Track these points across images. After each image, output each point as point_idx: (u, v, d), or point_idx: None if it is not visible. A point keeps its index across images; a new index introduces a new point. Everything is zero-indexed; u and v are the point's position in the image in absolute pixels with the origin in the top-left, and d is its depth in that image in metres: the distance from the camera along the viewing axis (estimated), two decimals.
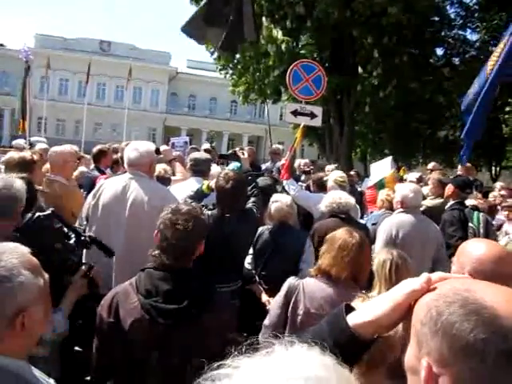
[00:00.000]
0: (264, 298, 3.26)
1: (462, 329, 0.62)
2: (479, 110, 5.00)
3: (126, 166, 3.09)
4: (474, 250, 1.73)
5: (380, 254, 2.45)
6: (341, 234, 2.30)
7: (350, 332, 0.80)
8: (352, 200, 3.91)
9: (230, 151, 4.63)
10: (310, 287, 2.29)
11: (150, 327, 1.75)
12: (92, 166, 5.60)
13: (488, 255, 1.67)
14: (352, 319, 0.81)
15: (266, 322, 2.46)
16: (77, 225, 3.07)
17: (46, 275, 1.23)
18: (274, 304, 2.48)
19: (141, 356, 1.78)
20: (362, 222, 4.85)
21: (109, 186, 2.95)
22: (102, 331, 1.85)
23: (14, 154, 3.15)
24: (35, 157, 3.09)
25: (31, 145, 7.49)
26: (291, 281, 2.40)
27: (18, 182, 1.92)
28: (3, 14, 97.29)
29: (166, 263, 1.82)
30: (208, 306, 1.82)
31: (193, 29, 5.48)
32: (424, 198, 5.17)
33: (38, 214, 2.12)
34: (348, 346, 0.80)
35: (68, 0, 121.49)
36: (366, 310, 0.81)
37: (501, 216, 5.41)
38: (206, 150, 5.96)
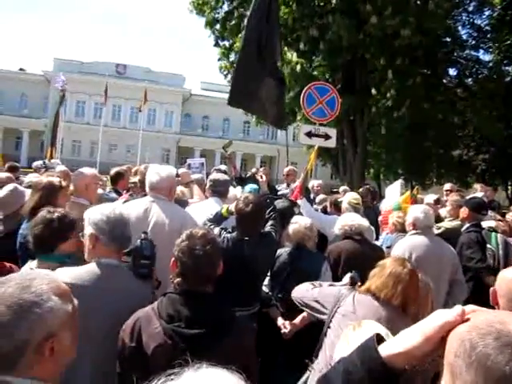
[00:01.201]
0: (280, 321, 3.24)
1: (497, 361, 0.62)
2: None
3: (147, 189, 3.16)
4: (507, 272, 1.81)
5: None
6: (393, 263, 2.26)
7: (382, 362, 0.79)
8: (365, 222, 3.89)
9: (249, 174, 4.70)
10: (360, 298, 2.25)
11: (172, 352, 1.73)
12: (108, 188, 5.69)
13: None
14: (384, 350, 0.81)
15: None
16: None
17: (76, 301, 1.25)
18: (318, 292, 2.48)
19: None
20: (378, 243, 4.83)
21: (131, 209, 3.01)
22: (124, 356, 1.85)
23: (42, 178, 3.23)
24: (63, 183, 3.17)
25: (46, 167, 7.62)
26: (342, 289, 2.37)
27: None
28: (23, 40, 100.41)
29: (187, 289, 1.84)
30: (229, 330, 1.83)
31: (239, 100, 5.64)
32: (441, 219, 5.15)
33: None
34: (379, 376, 0.79)
35: (85, 25, 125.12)
36: (398, 340, 0.81)
37: None
38: (224, 172, 6.04)
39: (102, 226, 2.15)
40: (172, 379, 0.62)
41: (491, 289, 1.81)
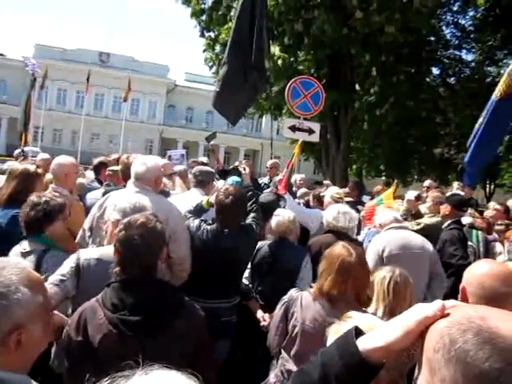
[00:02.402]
0: (259, 313, 3.25)
1: (477, 357, 0.61)
2: (483, 136, 4.93)
3: (132, 179, 3.12)
4: (477, 266, 1.80)
5: (381, 271, 2.47)
6: (339, 252, 2.26)
7: (360, 356, 0.79)
8: (355, 218, 3.91)
9: (232, 166, 4.68)
10: (308, 301, 2.30)
11: (119, 341, 1.74)
12: (86, 177, 5.62)
13: (494, 274, 1.72)
14: (362, 344, 0.80)
15: (269, 339, 2.47)
16: (79, 236, 3.08)
17: (48, 291, 1.23)
18: (274, 317, 2.50)
19: (114, 371, 1.76)
20: (360, 238, 4.88)
21: (115, 199, 2.97)
22: (72, 351, 1.81)
23: (17, 165, 3.16)
24: (39, 170, 3.10)
25: (24, 155, 7.46)
26: (292, 292, 2.41)
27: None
28: (3, 24, 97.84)
29: (129, 277, 1.85)
30: (176, 314, 1.83)
31: (223, 105, 5.54)
32: (422, 215, 5.23)
33: None
34: (357, 370, 0.79)
35: (68, 11, 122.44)
36: (377, 334, 0.80)
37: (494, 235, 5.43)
38: (202, 163, 6.01)
39: (130, 213, 2.40)
40: (120, 383, 0.60)
41: (460, 286, 1.76)
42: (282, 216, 3.52)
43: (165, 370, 0.67)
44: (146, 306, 1.77)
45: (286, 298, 2.42)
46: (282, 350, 2.39)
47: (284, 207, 4.46)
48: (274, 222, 3.50)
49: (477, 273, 1.73)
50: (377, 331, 0.81)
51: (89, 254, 2.32)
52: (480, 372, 0.61)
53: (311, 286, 2.41)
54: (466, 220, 4.99)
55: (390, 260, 3.42)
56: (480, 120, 5.28)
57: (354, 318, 1.50)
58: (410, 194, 5.58)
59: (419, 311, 0.75)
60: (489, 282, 1.69)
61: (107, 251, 2.27)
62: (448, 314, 0.71)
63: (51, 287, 2.12)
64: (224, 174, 5.19)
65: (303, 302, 2.29)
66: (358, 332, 0.85)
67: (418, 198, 5.70)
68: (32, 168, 3.06)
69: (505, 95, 4.79)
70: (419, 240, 3.80)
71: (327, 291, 2.22)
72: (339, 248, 2.29)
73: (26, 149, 9.40)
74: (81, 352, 1.78)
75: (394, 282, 2.37)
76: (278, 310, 2.42)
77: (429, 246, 3.88)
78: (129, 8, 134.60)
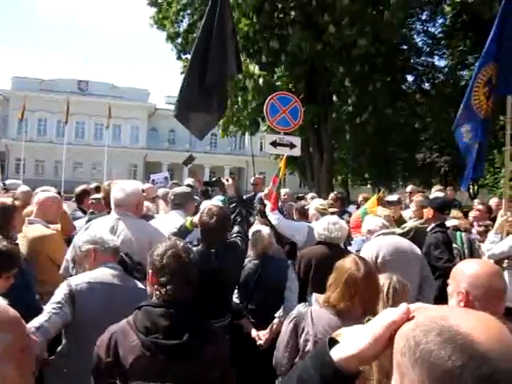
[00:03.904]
0: (254, 332, 3.23)
1: (440, 356, 0.62)
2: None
3: (112, 206, 3.09)
4: (469, 268, 1.84)
5: (380, 278, 2.47)
6: (348, 266, 2.27)
7: (335, 366, 0.79)
8: (345, 228, 3.94)
9: (215, 178, 4.70)
10: (318, 315, 2.28)
11: (151, 363, 1.76)
12: (68, 206, 5.56)
13: (482, 272, 1.78)
14: (336, 353, 0.81)
15: (276, 357, 2.42)
16: (62, 268, 3.04)
17: (22, 328, 1.17)
18: (281, 334, 2.44)
19: None
20: (351, 248, 4.90)
21: (96, 227, 2.94)
22: (102, 372, 1.84)
23: None
24: (16, 202, 3.07)
25: (6, 189, 7.36)
26: (300, 308, 2.40)
27: None
28: None
29: (173, 297, 1.85)
30: (206, 339, 1.86)
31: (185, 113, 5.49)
32: (404, 221, 5.27)
33: None
34: (333, 380, 0.79)
35: (44, 41, 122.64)
36: (349, 342, 0.81)
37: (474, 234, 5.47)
38: (187, 185, 6.00)
39: (96, 238, 2.50)
40: None
41: (463, 292, 1.77)
42: (261, 232, 3.55)
43: None
44: (179, 330, 1.79)
45: (294, 313, 2.39)
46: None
47: (253, 222, 4.50)
48: (255, 238, 3.52)
49: (478, 274, 1.78)
50: (349, 339, 0.81)
51: (79, 279, 2.35)
52: (443, 371, 0.62)
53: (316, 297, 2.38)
54: (450, 223, 5.05)
55: (384, 266, 3.45)
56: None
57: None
58: (391, 198, 5.64)
59: (386, 316, 0.76)
60: (494, 281, 1.78)
61: (97, 274, 2.37)
62: (413, 317, 0.72)
63: (50, 316, 2.17)
64: (207, 192, 5.18)
65: (313, 316, 2.28)
66: (334, 342, 0.85)
67: (399, 201, 5.76)
68: (9, 201, 3.03)
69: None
70: (408, 244, 3.87)
71: (334, 304, 2.23)
72: (349, 262, 2.30)
73: (7, 182, 9.28)
74: (110, 373, 1.80)
75: (393, 288, 2.38)
76: (286, 326, 2.39)
77: (417, 250, 3.94)
78: (104, 34, 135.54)
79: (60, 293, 2.28)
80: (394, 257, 3.64)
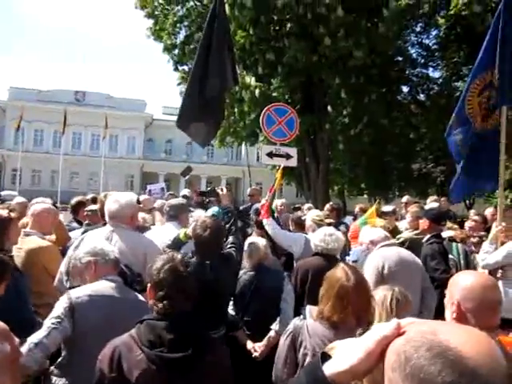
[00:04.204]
0: (249, 345, 3.21)
1: (430, 372, 0.62)
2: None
3: (107, 218, 3.09)
4: (463, 280, 1.83)
5: (381, 290, 2.47)
6: (338, 277, 2.26)
7: (327, 382, 0.79)
8: (341, 239, 3.94)
9: (209, 188, 4.70)
10: (314, 328, 2.27)
11: (156, 377, 1.78)
12: (65, 216, 5.56)
13: (476, 284, 1.77)
14: (328, 368, 0.81)
15: (275, 372, 2.39)
16: (56, 280, 3.02)
17: (16, 341, 1.17)
18: (280, 349, 2.42)
19: None
20: (349, 258, 4.90)
21: (90, 240, 2.93)
22: None
23: None
24: (12, 214, 3.07)
25: (2, 200, 7.34)
26: (296, 322, 2.39)
27: None
28: None
29: (173, 311, 1.87)
30: (208, 350, 1.88)
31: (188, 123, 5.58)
32: (399, 232, 5.28)
33: None
34: None
35: (42, 53, 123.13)
36: (341, 358, 0.81)
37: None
38: (183, 196, 6.02)
39: (96, 250, 2.48)
40: None
41: (455, 303, 1.77)
42: (257, 243, 3.55)
43: None
44: (183, 343, 1.80)
45: (290, 328, 2.38)
46: None
47: (251, 234, 4.50)
48: (250, 250, 3.52)
49: (471, 286, 1.77)
50: (342, 354, 0.82)
51: (79, 292, 2.35)
52: None
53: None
54: (446, 234, 5.05)
55: (390, 277, 3.45)
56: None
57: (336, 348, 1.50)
58: (386, 208, 5.65)
59: (378, 331, 0.76)
60: (486, 294, 1.75)
61: (97, 287, 2.38)
62: (404, 332, 0.72)
63: (49, 331, 2.18)
64: (203, 202, 5.18)
65: (309, 329, 2.27)
66: (327, 357, 0.85)
67: (394, 212, 5.77)
68: (4, 213, 3.02)
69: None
70: (411, 255, 3.87)
71: (328, 317, 2.22)
72: (339, 272, 2.29)
73: (3, 193, 9.26)
74: None
75: (395, 299, 2.37)
76: (284, 341, 2.38)
77: (418, 260, 3.95)
78: (101, 45, 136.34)
79: (60, 306, 2.28)
80: (399, 268, 3.64)
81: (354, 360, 0.77)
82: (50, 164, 38.93)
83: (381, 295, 2.41)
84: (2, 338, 1.12)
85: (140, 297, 2.48)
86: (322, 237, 3.80)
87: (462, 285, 1.80)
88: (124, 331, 1.95)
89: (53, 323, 2.22)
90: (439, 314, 2.68)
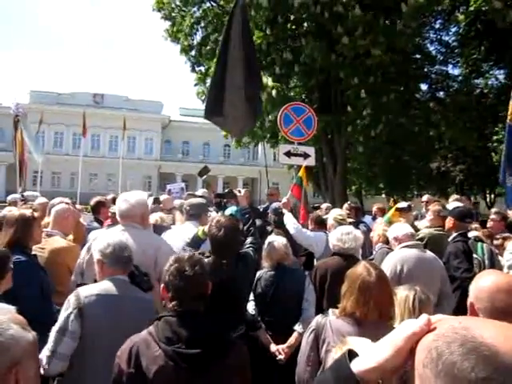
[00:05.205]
0: (273, 348, 3.19)
1: (463, 368, 0.61)
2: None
3: (118, 217, 3.11)
4: (480, 280, 1.75)
5: (402, 290, 2.44)
6: (360, 272, 2.29)
7: (355, 379, 0.78)
8: (359, 238, 3.88)
9: (227, 190, 4.71)
10: (337, 325, 2.27)
11: (174, 373, 1.78)
12: (84, 218, 5.64)
13: (502, 287, 1.67)
14: (356, 366, 0.79)
15: (298, 372, 2.38)
16: (72, 281, 3.06)
17: (34, 332, 1.20)
18: (302, 347, 2.41)
19: None
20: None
21: (102, 240, 2.95)
22: (122, 383, 1.84)
23: (14, 211, 3.17)
24: (36, 214, 3.12)
25: (24, 200, 7.49)
26: (318, 319, 2.38)
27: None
28: None
29: (182, 310, 1.89)
30: (227, 349, 1.88)
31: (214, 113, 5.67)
32: (416, 229, 5.21)
33: None
34: None
35: (61, 56, 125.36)
36: (369, 355, 0.79)
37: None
38: (202, 196, 6.03)
39: (104, 252, 2.48)
40: None
41: (468, 302, 1.71)
42: (276, 243, 3.52)
43: None
44: (201, 340, 1.82)
45: (312, 325, 2.37)
46: None
47: (271, 232, 4.47)
48: (269, 249, 3.50)
49: (484, 287, 1.69)
50: (369, 352, 0.80)
51: (87, 291, 2.36)
52: (468, 382, 0.60)
53: (337, 307, 2.36)
54: (473, 234, 4.94)
55: (407, 279, 3.40)
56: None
57: (349, 343, 1.49)
58: (401, 205, 5.58)
59: (407, 328, 0.75)
60: (498, 296, 1.64)
61: (105, 286, 2.39)
62: (435, 328, 0.71)
63: (62, 338, 2.22)
64: (220, 203, 5.20)
65: (333, 326, 2.27)
66: (353, 354, 0.84)
67: (409, 208, 5.69)
68: (28, 213, 3.07)
69: None
70: (431, 258, 3.81)
71: (351, 312, 2.23)
72: (360, 268, 2.33)
73: (25, 194, 9.44)
74: (132, 383, 1.82)
75: (418, 299, 2.36)
76: (306, 339, 2.37)
77: (440, 264, 3.87)
78: (119, 47, 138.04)
79: (69, 307, 2.30)
80: (418, 270, 3.59)
81: (382, 357, 0.76)
82: (70, 166, 39.56)
83: (402, 295, 2.39)
84: (26, 327, 1.16)
85: (147, 296, 2.50)
86: (338, 236, 3.76)
87: (477, 285, 1.73)
88: (131, 330, 1.97)
89: (62, 329, 2.25)
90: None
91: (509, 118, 4.44)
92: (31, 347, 1.14)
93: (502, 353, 0.60)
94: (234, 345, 1.97)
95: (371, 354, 0.79)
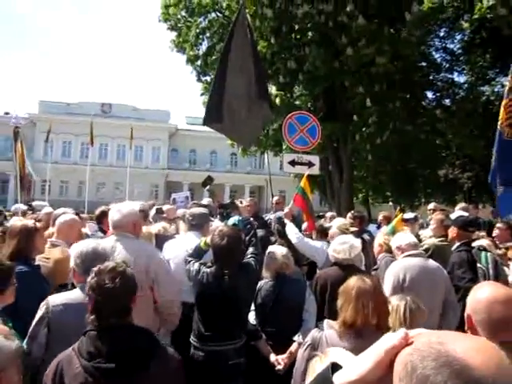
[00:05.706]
0: (273, 357, 3.17)
1: (436, 382, 0.62)
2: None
3: (110, 228, 3.15)
4: (478, 291, 1.73)
5: (394, 299, 2.43)
6: (354, 283, 2.29)
7: None
8: (357, 247, 3.85)
9: (229, 201, 4.72)
10: (333, 339, 2.25)
11: None
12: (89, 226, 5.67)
13: (500, 299, 1.65)
14: (338, 379, 0.81)
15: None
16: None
17: (17, 341, 1.24)
18: (298, 361, 2.40)
19: None
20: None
21: (76, 248, 2.97)
22: None
23: (16, 223, 3.20)
24: (38, 224, 3.15)
25: (33, 210, 7.57)
26: (314, 333, 2.37)
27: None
28: (8, 84, 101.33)
29: (101, 324, 1.86)
30: (153, 357, 1.85)
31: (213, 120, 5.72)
32: (420, 240, 5.17)
33: None
34: None
35: (70, 66, 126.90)
36: (351, 368, 0.81)
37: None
38: (206, 206, 6.04)
39: (76, 260, 2.54)
40: None
41: (465, 314, 1.69)
42: (275, 253, 3.51)
43: None
44: (119, 353, 1.80)
45: (308, 340, 2.36)
46: None
47: (274, 242, 4.47)
48: (268, 259, 3.49)
49: (481, 299, 1.67)
50: (351, 364, 0.81)
51: (57, 299, 2.43)
52: None
53: (334, 318, 2.35)
54: (477, 243, 4.89)
55: (410, 288, 3.37)
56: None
57: (330, 355, 1.49)
58: (407, 215, 5.55)
59: (387, 341, 0.76)
60: (495, 308, 1.62)
61: (73, 295, 2.44)
62: (412, 342, 0.72)
63: (35, 336, 2.31)
64: (223, 214, 5.21)
65: (329, 341, 2.25)
66: (336, 367, 0.85)
67: (416, 219, 5.65)
68: (30, 224, 3.10)
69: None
70: (435, 267, 3.77)
71: (351, 322, 2.20)
72: (353, 280, 2.33)
73: (34, 203, 9.52)
74: None
75: (409, 309, 2.36)
76: (302, 353, 2.36)
77: (444, 273, 3.83)
78: (127, 57, 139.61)
79: (39, 314, 2.38)
80: (421, 280, 3.55)
81: (363, 370, 0.78)
82: (78, 175, 39.86)
83: (393, 305, 2.38)
84: (9, 337, 1.22)
85: None
86: (334, 246, 3.74)
87: (474, 296, 1.72)
88: None
89: (31, 337, 2.33)
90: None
91: (499, 123, 4.40)
92: (14, 355, 1.19)
93: (472, 368, 0.62)
94: (160, 354, 1.91)
95: (353, 367, 0.80)
